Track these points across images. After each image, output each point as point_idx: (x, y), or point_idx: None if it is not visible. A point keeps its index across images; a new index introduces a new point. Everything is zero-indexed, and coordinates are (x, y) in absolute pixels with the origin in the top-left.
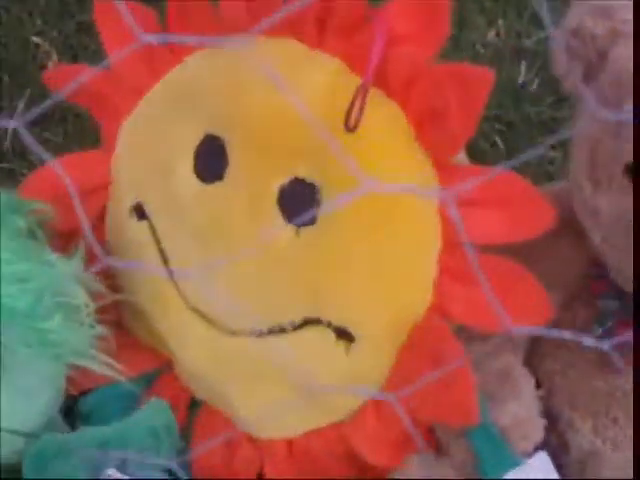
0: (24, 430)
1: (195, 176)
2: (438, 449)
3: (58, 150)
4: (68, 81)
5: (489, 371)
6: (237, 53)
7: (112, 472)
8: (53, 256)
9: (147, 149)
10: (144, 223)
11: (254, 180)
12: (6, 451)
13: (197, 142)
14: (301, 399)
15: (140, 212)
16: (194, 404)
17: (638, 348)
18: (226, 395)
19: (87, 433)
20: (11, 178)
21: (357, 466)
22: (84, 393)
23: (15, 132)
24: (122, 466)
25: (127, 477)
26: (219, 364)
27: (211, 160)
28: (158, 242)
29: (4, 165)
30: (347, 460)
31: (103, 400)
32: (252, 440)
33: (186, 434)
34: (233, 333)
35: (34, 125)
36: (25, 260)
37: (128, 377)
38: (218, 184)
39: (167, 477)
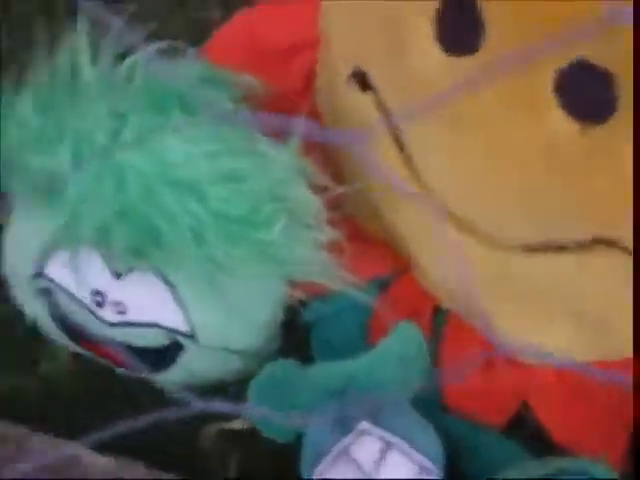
0: (242, 348)
1: (437, 45)
2: None
3: None
4: None
5: None
6: None
7: (366, 426)
8: (268, 146)
9: (368, 7)
10: (368, 95)
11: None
12: (222, 370)
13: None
14: (584, 329)
15: (362, 82)
16: (439, 312)
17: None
18: (486, 313)
19: (331, 367)
20: None
21: None
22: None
23: None
24: (376, 415)
25: (382, 431)
26: (479, 280)
27: (460, 25)
28: (389, 120)
29: None
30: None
31: (331, 309)
32: (515, 365)
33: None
34: (496, 246)
35: None
36: (238, 152)
37: (359, 285)
38: (469, 58)
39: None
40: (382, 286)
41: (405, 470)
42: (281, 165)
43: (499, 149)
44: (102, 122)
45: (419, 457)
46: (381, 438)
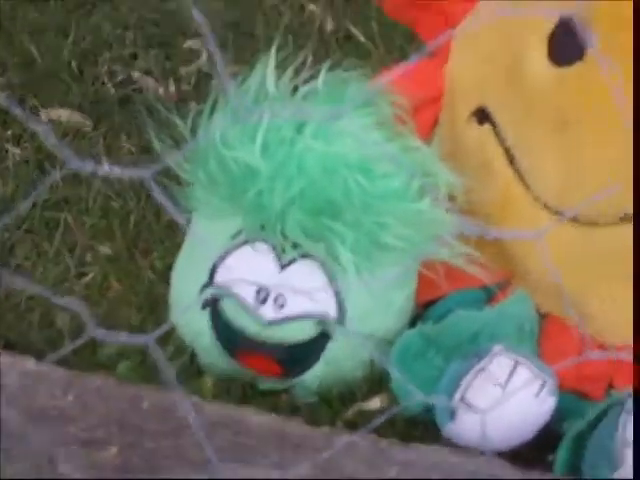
0: (378, 334)
1: (549, 62)
2: None
3: None
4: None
5: None
6: None
7: (498, 349)
8: (418, 141)
9: (490, 49)
10: (485, 127)
11: (620, 54)
12: (360, 360)
13: (551, 27)
14: None
15: (480, 117)
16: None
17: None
18: (580, 299)
19: (459, 324)
20: None
21: None
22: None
23: None
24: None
25: (512, 353)
26: (577, 262)
27: (568, 42)
28: (503, 142)
29: None
30: None
31: (452, 306)
32: (603, 348)
33: None
34: (594, 224)
35: None
36: (393, 143)
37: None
38: (578, 65)
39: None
40: (488, 295)
41: (532, 382)
42: (426, 151)
43: (603, 129)
44: (287, 120)
45: (542, 374)
46: (512, 358)
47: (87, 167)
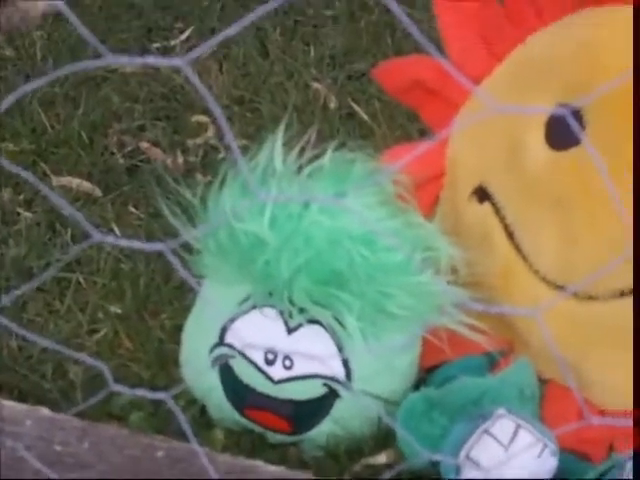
0: (384, 396)
1: (547, 146)
2: None
3: None
4: (400, 77)
5: None
6: (589, 24)
7: (502, 412)
8: (420, 218)
9: (490, 131)
10: (486, 205)
11: (615, 140)
12: (366, 419)
13: (548, 112)
14: None
15: (481, 195)
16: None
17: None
18: (580, 367)
19: (462, 389)
20: None
21: None
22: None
23: None
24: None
25: (514, 416)
26: (575, 333)
27: (564, 127)
28: (502, 219)
29: None
30: None
31: (455, 372)
32: (603, 414)
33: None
34: (592, 298)
35: None
36: (396, 219)
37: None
38: (574, 150)
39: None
40: (490, 362)
41: (533, 445)
42: (428, 227)
43: (598, 215)
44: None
45: (543, 438)
46: (514, 421)
47: (108, 239)
